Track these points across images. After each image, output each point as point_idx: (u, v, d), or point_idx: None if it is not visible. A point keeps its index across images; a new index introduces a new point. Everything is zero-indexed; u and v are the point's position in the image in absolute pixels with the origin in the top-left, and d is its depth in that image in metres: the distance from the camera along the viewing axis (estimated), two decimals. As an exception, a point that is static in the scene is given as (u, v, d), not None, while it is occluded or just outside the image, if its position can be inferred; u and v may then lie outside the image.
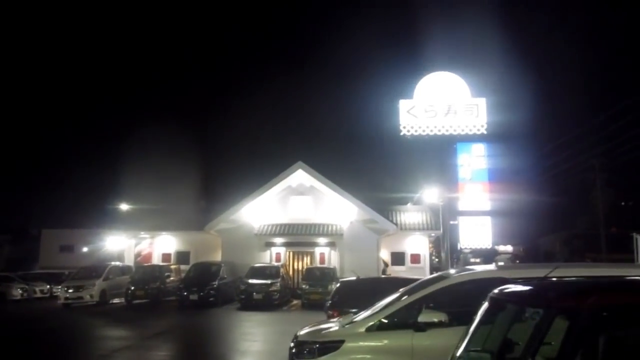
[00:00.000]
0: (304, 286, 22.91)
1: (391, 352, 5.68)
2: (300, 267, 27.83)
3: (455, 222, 22.67)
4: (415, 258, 28.56)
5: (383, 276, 22.10)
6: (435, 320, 5.56)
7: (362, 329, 5.79)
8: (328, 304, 11.09)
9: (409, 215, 29.22)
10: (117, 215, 31.51)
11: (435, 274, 6.91)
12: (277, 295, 22.23)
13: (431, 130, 22.01)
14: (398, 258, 28.73)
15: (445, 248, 22.20)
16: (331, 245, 27.26)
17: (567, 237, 57.12)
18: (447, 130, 21.94)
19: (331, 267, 24.97)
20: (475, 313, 4.22)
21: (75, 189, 40.63)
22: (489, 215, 22.52)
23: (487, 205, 22.37)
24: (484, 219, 22.33)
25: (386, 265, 27.45)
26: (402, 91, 22.96)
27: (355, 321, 5.97)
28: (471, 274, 6.03)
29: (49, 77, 65.15)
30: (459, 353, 4.12)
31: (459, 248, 23.19)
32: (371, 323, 5.80)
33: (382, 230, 27.00)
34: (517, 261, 66.48)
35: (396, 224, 27.21)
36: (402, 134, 21.98)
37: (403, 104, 22.31)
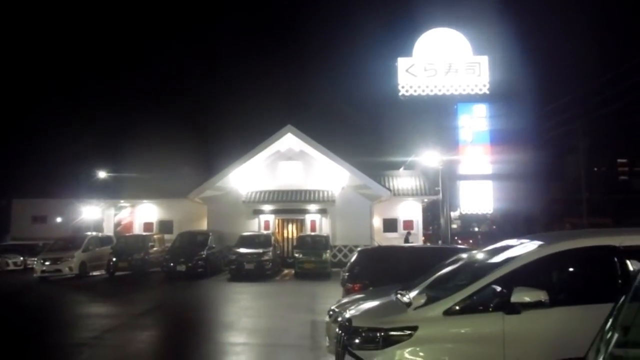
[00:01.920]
0: (296, 255, 21.83)
1: (477, 341, 4.54)
2: (290, 236, 26.75)
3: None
4: (408, 224, 27.66)
5: (406, 244, 20.80)
6: (532, 299, 4.43)
7: (439, 312, 4.62)
8: (346, 276, 9.94)
9: (402, 180, 28.18)
10: (94, 184, 29.79)
11: (519, 241, 5.69)
12: (269, 265, 21.11)
13: (431, 90, 20.93)
14: (390, 224, 27.81)
15: (445, 214, 21.35)
16: (322, 212, 26.17)
17: (545, 202, 57.30)
18: (447, 90, 20.90)
19: (324, 234, 23.90)
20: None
21: (48, 156, 38.33)
22: (491, 179, 21.70)
23: (489, 169, 21.52)
24: (485, 183, 21.51)
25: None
26: (401, 49, 21.82)
27: (420, 301, 4.77)
28: (574, 241, 4.88)
29: (23, 41, 61.50)
30: (610, 348, 3.00)
31: (459, 213, 22.38)
32: (450, 304, 4.62)
33: (375, 196, 25.97)
34: (494, 227, 67.04)
35: (390, 190, 26.17)
36: (400, 94, 20.85)
37: (402, 62, 21.12)
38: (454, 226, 31.82)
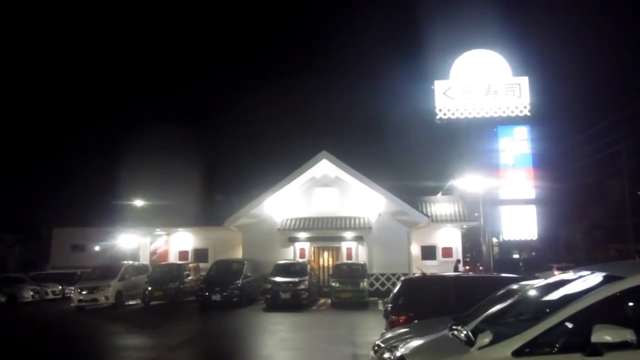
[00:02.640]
0: (333, 284, 21.28)
1: (553, 387, 3.99)
2: (325, 264, 26.22)
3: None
4: (447, 252, 26.81)
5: (455, 273, 20.05)
6: (617, 339, 3.87)
7: (507, 353, 4.09)
8: (389, 307, 9.39)
9: (440, 206, 27.45)
10: (130, 212, 30.01)
11: (578, 273, 5.14)
12: (305, 294, 20.59)
13: (469, 113, 20.40)
14: (429, 252, 27.00)
15: (487, 240, 20.53)
16: (358, 239, 25.60)
17: (587, 227, 55.09)
18: (486, 113, 20.33)
19: (361, 262, 23.30)
20: None
21: (86, 186, 39.14)
22: (534, 204, 20.83)
23: (532, 193, 20.67)
24: (528, 207, 20.65)
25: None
26: (438, 72, 21.34)
27: (485, 340, 4.24)
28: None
29: (53, 73, 63.81)
30: None
31: (501, 239, 21.52)
32: (519, 344, 4.09)
33: (412, 222, 25.30)
34: (533, 253, 64.71)
35: (428, 216, 25.45)
36: (437, 117, 20.37)
37: (438, 85, 20.69)
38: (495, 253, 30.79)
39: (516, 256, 61.94)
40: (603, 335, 3.90)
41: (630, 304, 4.28)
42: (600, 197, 54.48)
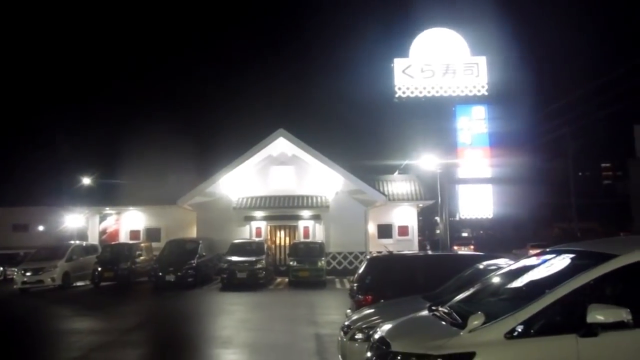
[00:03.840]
0: (291, 263, 21.06)
1: (547, 369, 3.80)
2: (282, 243, 25.94)
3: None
4: (404, 230, 26.98)
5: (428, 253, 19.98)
6: (613, 319, 3.71)
7: (499, 335, 3.87)
8: (355, 287, 9.16)
9: (397, 185, 27.52)
10: (78, 191, 28.67)
11: (556, 249, 5.00)
12: (262, 273, 20.28)
13: (428, 92, 20.35)
14: (385, 230, 27.09)
15: (444, 218, 20.68)
16: (316, 218, 25.40)
17: (534, 206, 57.08)
18: (445, 92, 20.33)
19: (318, 241, 23.11)
20: None
21: (30, 162, 37.04)
22: (490, 183, 21.11)
23: (488, 172, 20.92)
24: (485, 186, 20.92)
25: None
26: (397, 50, 21.13)
27: (476, 322, 4.01)
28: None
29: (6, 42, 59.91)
30: None
31: (457, 218, 21.75)
32: (511, 325, 3.88)
33: (369, 201, 25.29)
34: (481, 232, 66.58)
35: (385, 195, 25.47)
36: (396, 95, 20.21)
37: (398, 63, 20.51)
38: (437, 232, 31.22)
39: (465, 234, 63.63)
40: (598, 315, 3.73)
41: (625, 282, 4.15)
42: (546, 177, 56.43)
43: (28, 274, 19.75)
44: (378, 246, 25.04)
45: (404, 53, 20.62)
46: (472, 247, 29.84)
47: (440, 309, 5.01)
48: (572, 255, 4.77)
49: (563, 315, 3.94)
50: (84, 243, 24.21)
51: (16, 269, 20.93)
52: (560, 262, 4.77)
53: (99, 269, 20.99)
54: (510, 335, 3.86)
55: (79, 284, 21.50)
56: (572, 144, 40.52)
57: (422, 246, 33.64)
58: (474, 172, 20.51)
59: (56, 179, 32.04)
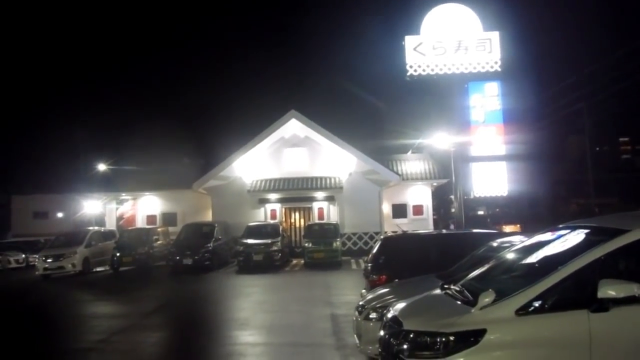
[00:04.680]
0: (306, 244, 21.21)
1: (558, 344, 3.84)
2: (297, 224, 26.09)
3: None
4: (418, 209, 26.96)
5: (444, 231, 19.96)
6: (624, 294, 3.72)
7: (510, 312, 3.91)
8: (369, 267, 9.24)
9: (410, 164, 27.42)
10: (95, 178, 29.03)
11: (569, 226, 4.99)
12: (278, 255, 20.48)
13: (440, 69, 20.12)
14: (400, 210, 27.10)
15: (458, 197, 20.61)
16: (330, 199, 25.46)
17: (550, 183, 56.48)
18: (457, 69, 20.08)
19: (333, 222, 23.20)
20: None
21: (48, 151, 37.56)
22: (505, 160, 20.92)
23: (502, 149, 20.73)
24: (499, 164, 20.75)
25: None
26: (408, 27, 20.85)
27: (486, 299, 4.04)
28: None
29: (21, 37, 60.27)
30: None
31: (472, 196, 21.66)
32: (522, 302, 3.91)
33: (383, 181, 25.25)
34: (497, 210, 66.22)
35: (399, 174, 25.41)
36: (408, 74, 20.02)
37: (409, 41, 20.26)
38: (452, 210, 31.12)
39: (481, 213, 63.30)
40: (609, 290, 3.75)
41: (636, 257, 4.14)
42: (563, 153, 55.76)
43: (49, 260, 20.16)
44: (393, 226, 25.07)
45: (415, 30, 20.35)
46: (518, 225, 29.17)
47: (452, 287, 5.05)
48: (585, 231, 4.76)
49: (574, 291, 3.95)
50: (102, 229, 24.61)
51: (37, 256, 21.41)
52: (574, 237, 4.76)
53: (118, 254, 21.35)
54: (521, 311, 3.90)
55: (98, 269, 21.91)
56: (588, 118, 39.96)
57: (445, 225, 33.51)
58: (487, 150, 20.34)
59: (73, 167, 32.55)
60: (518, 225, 33.03)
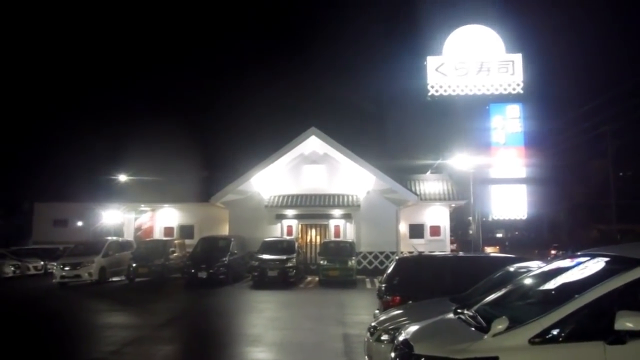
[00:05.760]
0: (321, 262, 21.10)
1: (572, 376, 3.72)
2: (313, 241, 26.01)
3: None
4: (435, 230, 26.71)
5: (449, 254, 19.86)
6: (642, 327, 3.59)
7: (524, 340, 3.81)
8: (383, 287, 9.11)
9: (429, 184, 27.25)
10: (114, 188, 29.39)
11: (587, 255, 4.87)
12: (293, 272, 20.40)
13: (462, 90, 20.05)
14: (417, 230, 26.88)
15: (476, 219, 20.37)
16: (347, 217, 25.38)
17: (571, 207, 55.57)
18: (479, 90, 20.01)
19: (349, 240, 23.09)
20: None
21: (70, 160, 38.11)
22: (524, 183, 20.68)
23: (522, 172, 20.49)
24: (518, 187, 20.50)
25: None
26: (431, 48, 20.85)
27: (500, 326, 3.94)
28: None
29: (40, 47, 61.88)
30: None
31: (490, 219, 21.40)
32: (537, 331, 3.81)
33: (401, 200, 25.10)
34: (516, 232, 65.20)
35: (417, 194, 25.25)
36: (429, 94, 19.99)
37: (431, 61, 20.28)
38: (470, 232, 30.74)
39: (500, 235, 62.56)
40: (627, 322, 3.62)
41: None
42: (584, 177, 54.91)
43: (66, 268, 20.36)
44: (409, 246, 24.85)
45: (437, 51, 20.37)
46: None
47: (465, 312, 4.95)
48: (605, 259, 4.64)
49: (590, 322, 3.83)
50: (120, 239, 24.83)
51: (55, 264, 21.65)
52: (593, 266, 4.65)
53: (134, 264, 21.49)
54: (535, 340, 3.79)
55: (114, 279, 22.05)
56: (612, 142, 39.38)
57: (464, 247, 33.03)
58: (507, 172, 20.10)
59: (94, 176, 32.89)
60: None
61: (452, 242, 29.96)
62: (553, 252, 43.37)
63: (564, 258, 5.63)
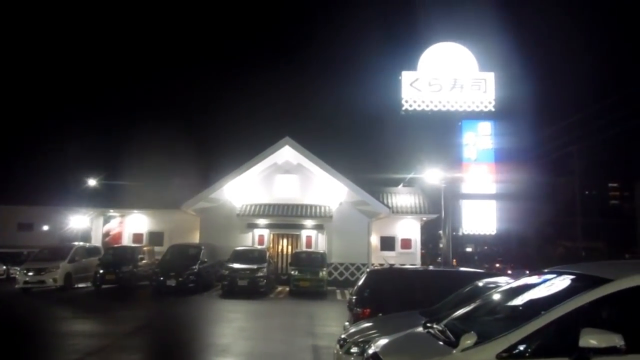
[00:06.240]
0: (292, 272, 21.07)
1: (538, 392, 3.79)
2: (285, 251, 25.92)
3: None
4: (407, 243, 26.96)
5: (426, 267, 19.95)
6: (605, 344, 3.69)
7: (491, 356, 3.87)
8: (354, 299, 9.15)
9: (401, 197, 27.53)
10: (83, 192, 28.80)
11: (555, 272, 5.00)
12: (263, 282, 20.28)
13: (435, 106, 20.36)
14: (388, 243, 27.10)
15: (447, 233, 20.63)
16: (319, 228, 25.40)
17: (539, 224, 56.80)
18: (452, 106, 20.34)
19: (320, 251, 23.08)
20: None
21: (37, 162, 37.26)
22: (494, 199, 21.07)
23: (493, 188, 20.88)
24: (489, 202, 20.88)
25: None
26: (406, 63, 21.16)
27: (468, 342, 4.00)
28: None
29: (10, 46, 60.45)
30: None
31: (461, 233, 21.70)
32: (504, 346, 3.88)
33: (373, 212, 25.26)
34: (485, 247, 66.31)
35: (389, 207, 25.45)
36: (403, 108, 20.24)
37: (406, 76, 20.56)
38: (440, 246, 31.17)
39: (469, 250, 63.47)
40: (591, 339, 3.71)
41: (619, 307, 4.13)
42: (552, 195, 56.21)
43: (30, 273, 19.80)
44: (380, 258, 24.98)
45: (412, 66, 20.68)
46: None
47: (435, 326, 5.00)
48: (571, 277, 4.76)
49: (556, 338, 3.92)
50: (87, 244, 24.29)
51: (19, 269, 21.04)
52: (559, 283, 4.76)
53: (101, 271, 21.02)
54: (502, 355, 3.85)
55: (80, 285, 21.55)
56: (578, 162, 40.46)
57: (428, 260, 33.39)
58: (478, 188, 20.48)
59: (62, 179, 32.19)
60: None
61: (422, 255, 30.30)
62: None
63: (531, 274, 5.76)
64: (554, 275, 4.98)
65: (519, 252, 53.24)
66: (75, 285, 21.16)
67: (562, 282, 4.73)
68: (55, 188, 31.34)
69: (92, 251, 23.20)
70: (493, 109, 20.10)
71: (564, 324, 3.91)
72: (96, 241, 27.54)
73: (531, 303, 4.69)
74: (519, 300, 4.92)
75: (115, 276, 21.04)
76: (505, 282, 7.24)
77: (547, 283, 4.92)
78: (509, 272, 28.53)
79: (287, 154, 25.40)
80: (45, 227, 33.26)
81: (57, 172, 34.11)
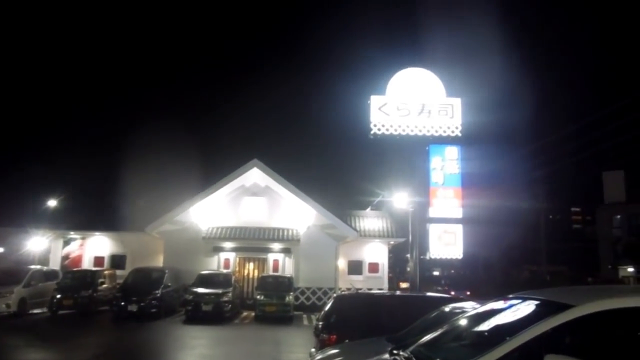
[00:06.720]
0: (258, 297, 20.66)
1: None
2: (251, 275, 25.49)
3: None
4: (374, 267, 26.89)
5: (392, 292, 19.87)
6: (567, 370, 3.62)
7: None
8: (320, 325, 8.94)
9: (369, 221, 27.51)
10: (42, 213, 27.84)
11: (520, 297, 4.95)
12: (228, 306, 19.87)
13: (403, 130, 20.44)
14: (356, 267, 26.97)
15: (414, 257, 20.61)
16: (286, 251, 25.11)
17: (504, 248, 57.67)
18: (420, 131, 20.45)
19: (287, 275, 22.75)
20: None
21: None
22: (461, 223, 21.20)
23: (459, 213, 21.01)
24: (455, 226, 20.98)
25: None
26: (374, 87, 21.30)
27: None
28: (611, 301, 4.12)
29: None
30: None
31: (428, 257, 21.72)
32: (468, 375, 3.77)
33: (341, 236, 25.15)
34: (452, 271, 66.97)
35: (357, 230, 25.39)
36: (372, 132, 20.27)
37: (374, 100, 20.62)
38: (408, 269, 31.25)
39: (436, 273, 63.93)
40: (552, 365, 3.64)
41: (581, 333, 4.09)
42: (517, 219, 57.21)
43: (-19, 299, 18.87)
44: (348, 282, 24.79)
45: (381, 90, 20.85)
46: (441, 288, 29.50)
47: (401, 353, 4.88)
48: (535, 302, 4.73)
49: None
50: (45, 268, 23.33)
51: (-31, 294, 20.00)
52: (524, 308, 4.73)
53: (58, 296, 20.20)
54: (467, 384, 3.74)
55: (35, 311, 20.60)
56: (543, 187, 41.34)
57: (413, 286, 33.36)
58: (445, 212, 20.62)
59: (19, 198, 31.08)
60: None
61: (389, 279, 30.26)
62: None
63: (496, 300, 5.71)
64: (519, 301, 4.96)
65: (482, 275, 53.79)
66: (30, 311, 20.24)
67: (526, 308, 4.70)
68: (11, 207, 30.15)
69: (50, 275, 22.29)
70: (460, 134, 20.32)
71: (529, 350, 3.84)
72: (55, 264, 26.56)
73: (496, 329, 4.64)
74: (484, 326, 4.86)
75: (73, 301, 20.24)
76: (471, 307, 7.20)
77: (513, 308, 4.88)
78: (452, 293, 28.96)
79: (255, 176, 25.17)
80: (1, 249, 31.97)
81: (14, 190, 32.97)
